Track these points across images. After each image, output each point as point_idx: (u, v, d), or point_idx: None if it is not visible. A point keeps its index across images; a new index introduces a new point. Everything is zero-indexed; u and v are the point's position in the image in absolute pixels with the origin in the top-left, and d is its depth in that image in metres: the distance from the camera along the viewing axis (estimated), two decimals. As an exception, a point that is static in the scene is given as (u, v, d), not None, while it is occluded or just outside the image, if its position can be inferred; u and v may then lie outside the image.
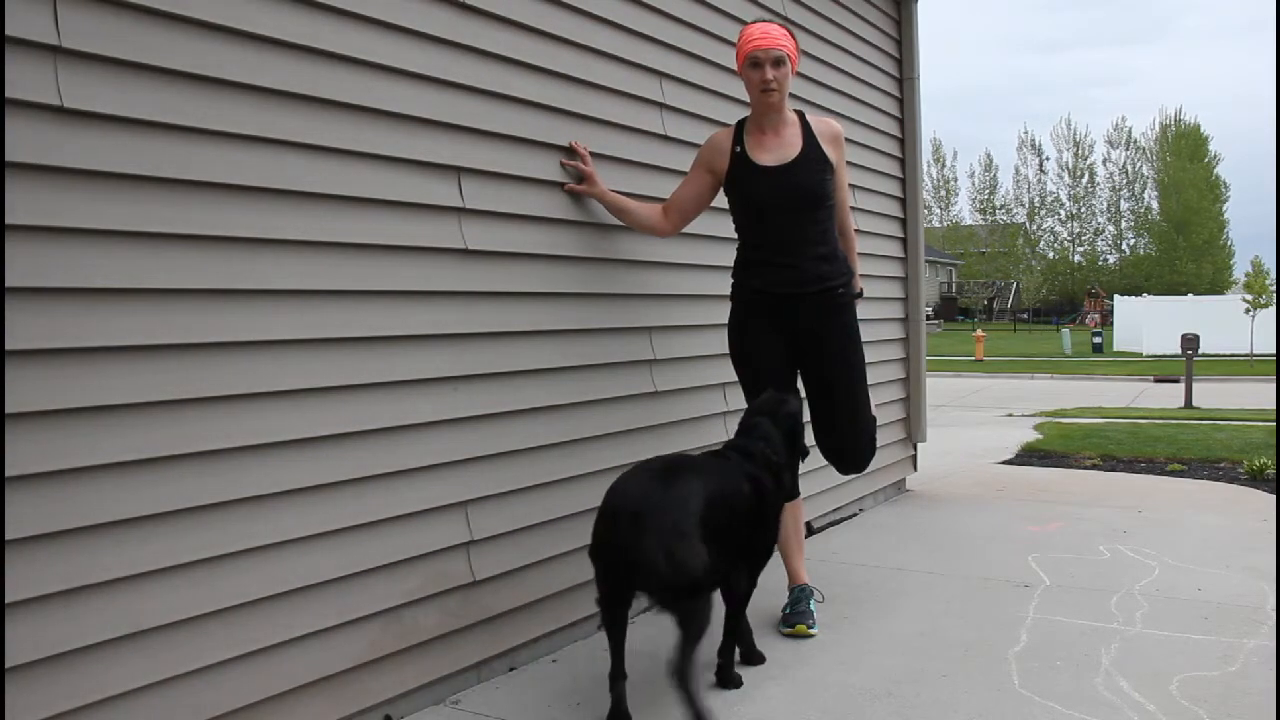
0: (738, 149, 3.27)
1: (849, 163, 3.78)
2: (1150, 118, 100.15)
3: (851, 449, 3.42)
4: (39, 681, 1.95)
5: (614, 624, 2.52)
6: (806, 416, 3.21)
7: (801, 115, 3.34)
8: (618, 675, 2.52)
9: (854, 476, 5.07)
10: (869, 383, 3.43)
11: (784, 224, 3.24)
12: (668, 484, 2.45)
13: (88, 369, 2.02)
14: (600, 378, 3.37)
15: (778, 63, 3.16)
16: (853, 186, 5.03)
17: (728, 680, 2.82)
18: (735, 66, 3.33)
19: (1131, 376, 19.44)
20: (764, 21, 3.30)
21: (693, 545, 2.32)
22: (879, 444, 5.28)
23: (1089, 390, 16.58)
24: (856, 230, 5.06)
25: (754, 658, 2.99)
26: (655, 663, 2.77)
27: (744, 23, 4.13)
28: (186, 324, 2.19)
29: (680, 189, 3.40)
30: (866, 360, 3.42)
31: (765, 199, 3.24)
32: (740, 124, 3.33)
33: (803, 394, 3.38)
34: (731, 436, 3.02)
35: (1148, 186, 59.09)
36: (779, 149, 3.25)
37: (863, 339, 3.40)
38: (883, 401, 5.16)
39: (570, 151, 3.24)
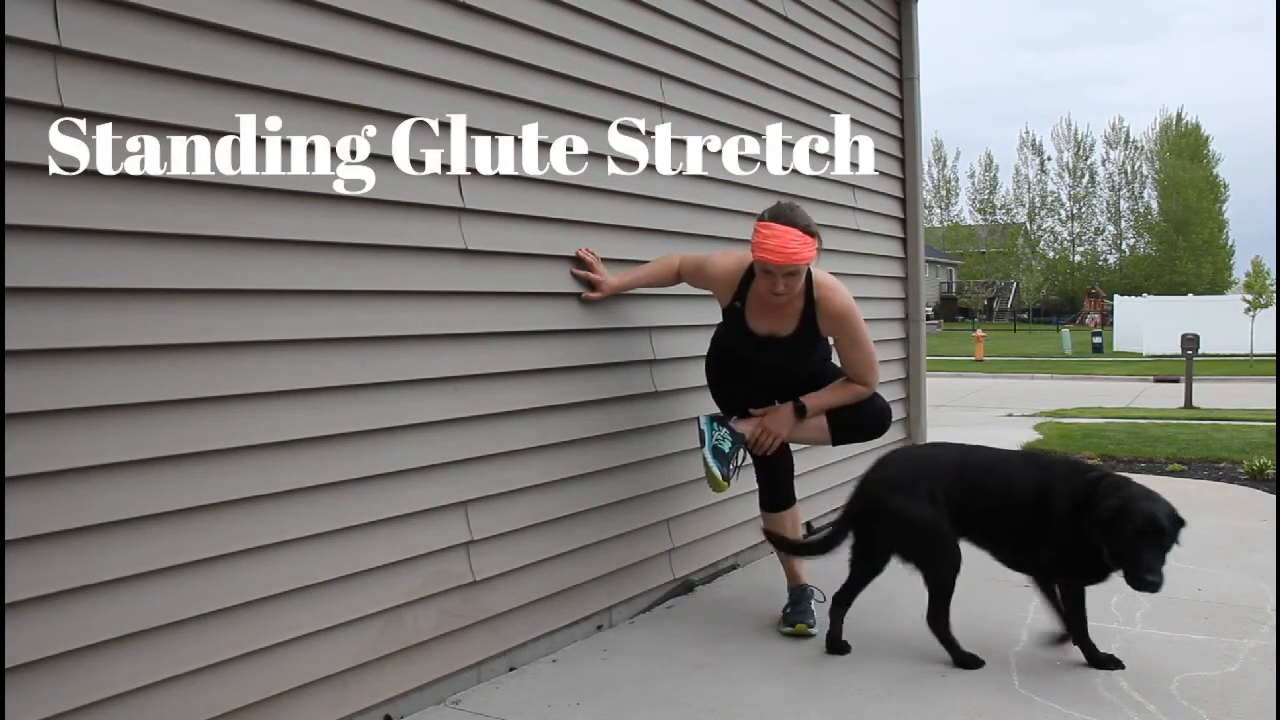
0: (737, 304, 3.19)
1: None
2: (1151, 117, 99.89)
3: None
4: (39, 681, 1.95)
5: (859, 567, 3.11)
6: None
7: (810, 285, 3.11)
8: (844, 598, 3.14)
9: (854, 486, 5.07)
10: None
11: (765, 371, 3.31)
12: (918, 460, 3.15)
13: (88, 369, 2.02)
14: (600, 378, 3.37)
15: (790, 274, 2.99)
16: (852, 187, 5.03)
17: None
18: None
19: (1131, 376, 19.43)
20: (784, 225, 2.94)
21: (915, 500, 2.96)
22: (879, 442, 5.31)
23: (1089, 390, 16.57)
24: (857, 230, 5.08)
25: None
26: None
27: (744, 23, 4.13)
28: (186, 324, 2.19)
29: (692, 267, 3.34)
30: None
31: (750, 356, 3.26)
32: (750, 271, 3.15)
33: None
34: None
35: (1148, 186, 59.07)
36: (777, 322, 3.17)
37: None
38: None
39: (579, 261, 3.24)
